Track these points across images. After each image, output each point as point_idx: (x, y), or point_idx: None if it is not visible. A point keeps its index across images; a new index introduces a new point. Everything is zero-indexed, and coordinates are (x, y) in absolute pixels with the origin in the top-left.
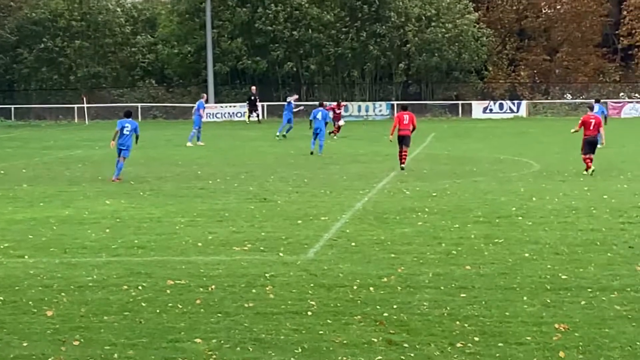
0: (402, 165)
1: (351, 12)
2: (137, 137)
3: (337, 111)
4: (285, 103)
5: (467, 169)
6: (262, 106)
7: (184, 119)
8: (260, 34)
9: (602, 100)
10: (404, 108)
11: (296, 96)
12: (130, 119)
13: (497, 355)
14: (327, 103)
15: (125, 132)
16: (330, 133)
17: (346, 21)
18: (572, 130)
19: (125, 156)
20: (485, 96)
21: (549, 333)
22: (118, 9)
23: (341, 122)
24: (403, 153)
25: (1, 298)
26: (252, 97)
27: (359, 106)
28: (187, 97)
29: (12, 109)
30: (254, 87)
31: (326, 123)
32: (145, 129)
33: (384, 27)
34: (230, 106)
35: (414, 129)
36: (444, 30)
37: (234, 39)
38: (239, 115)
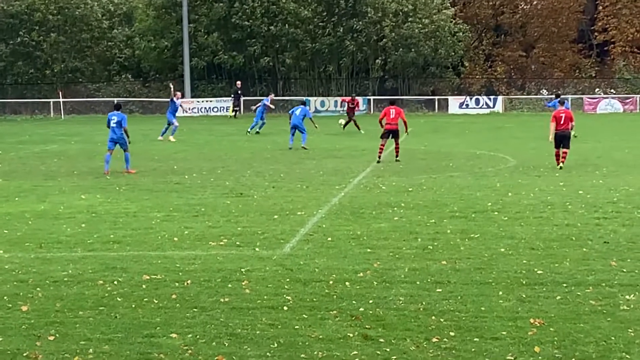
0: (379, 159)
1: (328, 7)
2: (125, 131)
3: (351, 105)
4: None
5: (443, 164)
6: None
7: (160, 114)
8: (237, 29)
9: (567, 97)
10: (391, 103)
11: (272, 95)
12: (117, 112)
13: (473, 350)
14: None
15: (112, 124)
16: (344, 126)
17: (323, 16)
18: (550, 138)
19: (124, 148)
20: (462, 91)
21: (524, 328)
22: (95, 3)
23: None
24: (381, 146)
25: None
26: (238, 92)
27: (335, 101)
28: (164, 92)
29: None
30: (239, 83)
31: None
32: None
33: (360, 22)
34: (206, 101)
35: (405, 123)
36: (420, 25)
37: (210, 34)
38: (215, 110)
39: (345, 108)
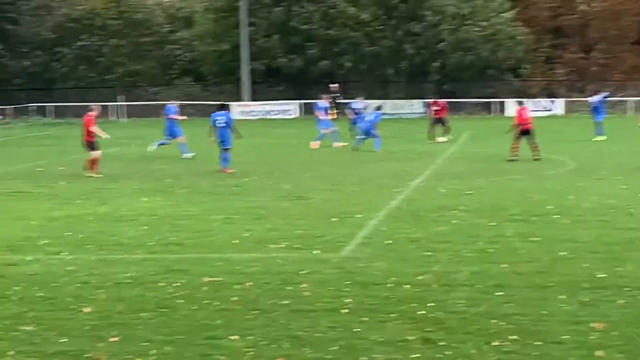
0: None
1: (387, 10)
2: (233, 129)
3: (434, 108)
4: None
5: (502, 167)
6: (297, 104)
7: None
8: (296, 33)
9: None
10: (520, 103)
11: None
12: (223, 112)
13: (534, 354)
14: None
15: (218, 124)
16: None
17: (382, 20)
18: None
19: (227, 147)
20: (521, 94)
21: (586, 332)
22: (155, 7)
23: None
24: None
25: (40, 294)
26: (337, 94)
27: (394, 104)
28: (223, 96)
29: (50, 107)
30: (334, 85)
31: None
32: (181, 127)
33: (419, 25)
34: (265, 104)
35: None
36: (479, 28)
37: (269, 37)
38: (273, 113)
39: (431, 113)
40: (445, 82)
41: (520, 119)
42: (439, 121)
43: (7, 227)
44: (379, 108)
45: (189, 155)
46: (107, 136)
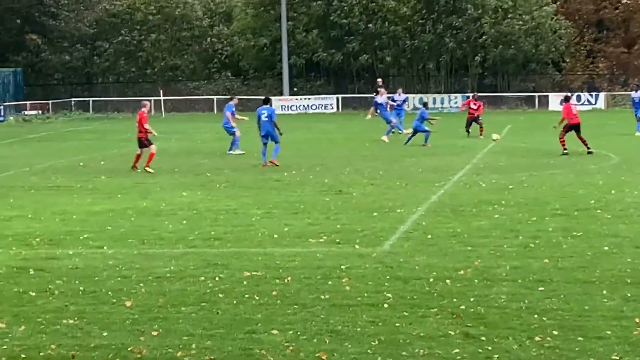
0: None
1: (428, 4)
2: (274, 124)
3: (472, 106)
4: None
5: (543, 161)
6: (337, 98)
7: None
8: (336, 27)
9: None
10: (567, 99)
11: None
12: (267, 106)
13: (577, 349)
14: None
15: (263, 118)
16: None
17: (422, 14)
18: None
19: (275, 141)
20: (563, 88)
21: (629, 327)
22: (195, 2)
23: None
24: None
25: (81, 288)
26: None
27: (434, 98)
28: (262, 90)
29: (91, 102)
30: (379, 80)
31: (425, 119)
32: (221, 122)
33: (460, 19)
34: (304, 99)
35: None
36: (520, 22)
37: (309, 32)
38: (313, 107)
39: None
40: (486, 76)
41: (568, 113)
42: (474, 120)
43: (49, 221)
44: (425, 105)
45: (238, 152)
46: (157, 134)
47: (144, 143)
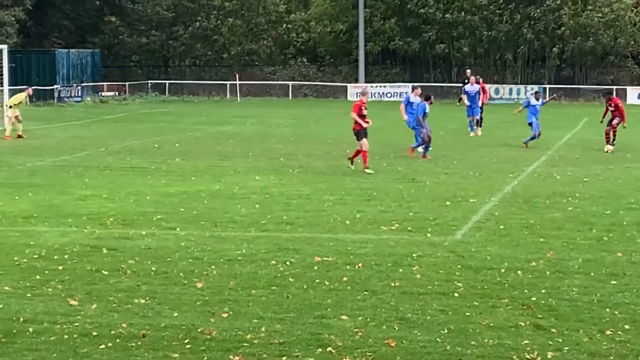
0: None
1: None
2: (418, 119)
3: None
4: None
5: (620, 155)
6: (412, 87)
7: (334, 98)
8: (413, 16)
9: None
10: (609, 93)
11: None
12: (422, 102)
13: None
14: None
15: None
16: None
17: (500, 4)
18: None
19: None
20: None
21: None
22: None
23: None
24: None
25: (153, 269)
26: (467, 80)
27: (510, 89)
28: (338, 77)
29: (167, 84)
30: (468, 71)
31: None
32: (296, 107)
33: (538, 10)
34: (380, 86)
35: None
36: (599, 14)
37: (386, 20)
38: (388, 95)
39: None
40: (563, 68)
41: (622, 110)
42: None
43: (122, 201)
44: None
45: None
46: (367, 124)
47: (356, 135)
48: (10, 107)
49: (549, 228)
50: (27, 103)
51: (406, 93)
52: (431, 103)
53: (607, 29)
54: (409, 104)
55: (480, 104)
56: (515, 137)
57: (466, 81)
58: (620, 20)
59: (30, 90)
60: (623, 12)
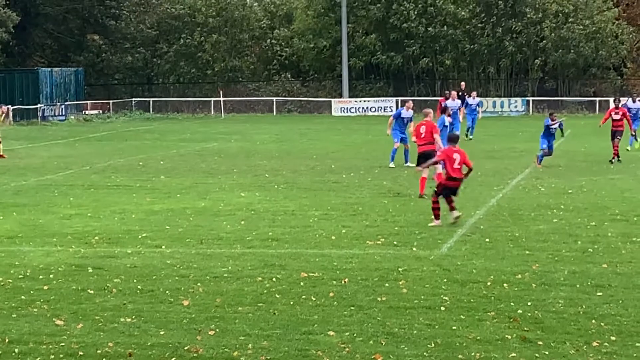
0: None
1: (487, 8)
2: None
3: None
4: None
5: (604, 166)
6: (396, 101)
7: (318, 113)
8: (395, 30)
9: None
10: (617, 107)
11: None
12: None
13: (635, 355)
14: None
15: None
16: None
17: (482, 17)
18: None
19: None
20: (624, 93)
21: None
22: (255, 4)
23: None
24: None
25: (139, 287)
26: (461, 93)
27: (494, 102)
28: (322, 92)
29: (151, 102)
30: (463, 83)
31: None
32: (280, 123)
33: (520, 23)
34: (364, 101)
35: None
36: (581, 27)
37: (368, 35)
38: (372, 110)
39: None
40: (546, 80)
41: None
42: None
43: (108, 220)
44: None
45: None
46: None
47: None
48: None
49: (534, 240)
50: (11, 123)
51: (390, 107)
52: (449, 115)
53: (589, 41)
54: (399, 117)
55: (460, 118)
56: (500, 150)
57: (460, 94)
58: (601, 33)
59: (4, 108)
60: (604, 25)
